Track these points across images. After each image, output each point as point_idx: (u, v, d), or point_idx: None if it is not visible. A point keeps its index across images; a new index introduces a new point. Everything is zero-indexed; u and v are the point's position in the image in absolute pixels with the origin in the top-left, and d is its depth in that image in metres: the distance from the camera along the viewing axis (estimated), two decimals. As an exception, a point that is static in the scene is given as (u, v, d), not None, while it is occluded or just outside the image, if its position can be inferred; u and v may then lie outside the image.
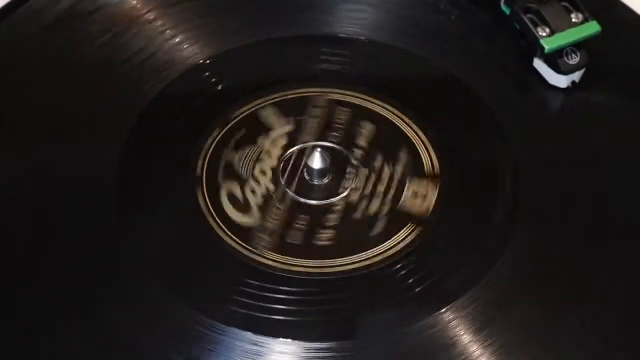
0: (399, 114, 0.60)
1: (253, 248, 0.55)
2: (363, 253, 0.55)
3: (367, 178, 0.58)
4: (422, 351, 0.51)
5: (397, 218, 0.56)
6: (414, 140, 0.59)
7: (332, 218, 0.57)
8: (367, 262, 0.55)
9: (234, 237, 0.55)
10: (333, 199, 0.58)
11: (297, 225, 0.56)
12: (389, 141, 0.60)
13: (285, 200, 0.58)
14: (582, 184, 0.58)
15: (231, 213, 0.57)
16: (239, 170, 0.59)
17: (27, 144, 0.59)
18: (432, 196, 0.57)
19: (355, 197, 0.58)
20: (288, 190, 0.58)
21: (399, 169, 0.58)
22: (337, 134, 0.60)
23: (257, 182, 0.58)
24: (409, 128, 0.60)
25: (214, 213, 0.56)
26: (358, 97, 0.62)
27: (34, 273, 0.54)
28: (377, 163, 0.59)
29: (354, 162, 0.59)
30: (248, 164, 0.59)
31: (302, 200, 0.58)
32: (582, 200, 0.57)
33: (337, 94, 0.62)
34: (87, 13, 0.65)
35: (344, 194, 0.58)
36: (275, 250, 0.55)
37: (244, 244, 0.55)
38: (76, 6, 0.65)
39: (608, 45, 0.62)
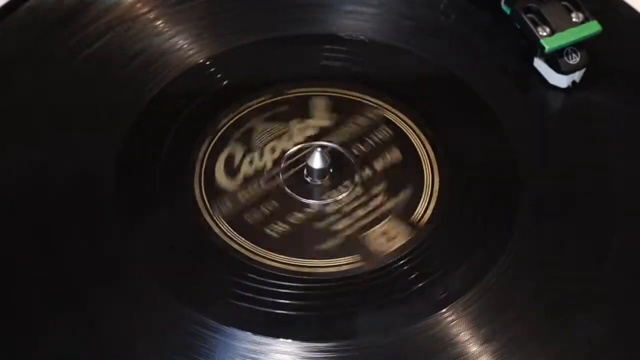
0: (432, 156, 0.59)
1: (211, 209, 0.56)
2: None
3: (356, 198, 0.58)
4: (423, 351, 0.51)
5: (351, 245, 0.56)
6: (424, 185, 0.58)
7: (296, 217, 0.56)
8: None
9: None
10: (311, 201, 0.57)
11: (263, 208, 0.56)
12: (403, 175, 0.59)
13: (271, 184, 0.58)
14: (583, 184, 0.58)
15: (218, 173, 0.57)
16: (254, 138, 0.59)
17: (26, 144, 0.59)
18: (398, 242, 0.55)
19: (332, 209, 0.57)
20: (280, 176, 0.58)
21: (389, 204, 0.57)
22: (363, 148, 0.60)
23: (261, 156, 0.58)
24: (429, 170, 0.58)
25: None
26: (407, 123, 0.61)
27: (32, 273, 0.54)
28: (376, 189, 0.58)
29: (357, 178, 0.58)
30: (266, 137, 0.59)
31: (286, 190, 0.57)
32: (583, 200, 0.57)
33: (391, 113, 0.61)
34: (86, 12, 0.65)
35: (325, 201, 0.57)
36: (228, 221, 0.55)
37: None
38: (76, 5, 0.65)
39: (609, 45, 0.62)
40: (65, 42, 0.63)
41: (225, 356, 0.51)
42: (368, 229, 0.56)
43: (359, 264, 0.55)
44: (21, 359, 0.51)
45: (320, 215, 0.57)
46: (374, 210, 0.57)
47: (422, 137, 0.60)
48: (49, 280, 0.53)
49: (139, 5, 0.65)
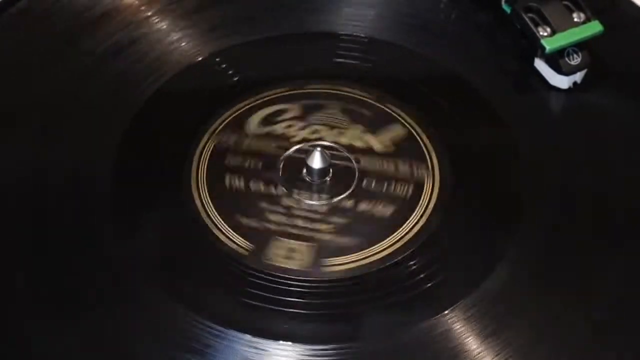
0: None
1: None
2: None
3: (329, 210, 0.57)
4: (425, 353, 0.51)
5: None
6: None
7: (259, 206, 0.56)
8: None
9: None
10: (285, 195, 0.57)
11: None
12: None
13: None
14: (585, 185, 0.58)
15: (256, 116, 0.59)
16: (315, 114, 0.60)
17: (24, 143, 0.59)
18: (299, 261, 0.55)
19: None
20: (285, 153, 0.58)
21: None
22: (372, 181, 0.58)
23: (304, 128, 0.60)
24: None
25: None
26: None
27: (29, 273, 0.53)
28: (362, 206, 0.57)
29: (346, 202, 0.57)
30: (325, 119, 0.60)
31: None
32: (585, 202, 0.57)
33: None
34: (84, 10, 0.65)
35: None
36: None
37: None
38: (75, 3, 0.65)
39: (610, 46, 0.62)
40: (62, 41, 0.63)
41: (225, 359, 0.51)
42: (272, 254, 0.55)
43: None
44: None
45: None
46: (317, 231, 0.56)
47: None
48: (45, 281, 0.53)
49: (137, 2, 0.65)
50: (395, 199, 0.57)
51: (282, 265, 0.54)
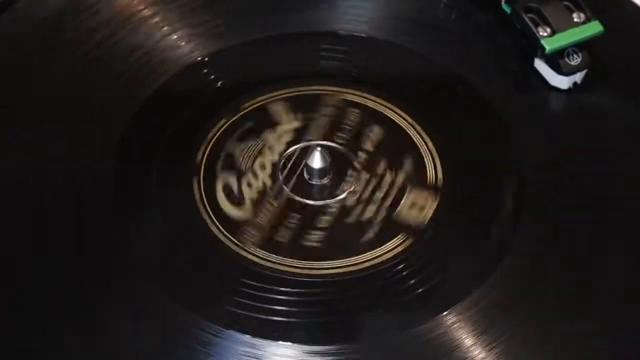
0: (410, 120, 0.60)
1: (240, 242, 0.55)
2: (359, 256, 0.54)
3: (367, 182, 0.58)
4: (424, 355, 0.51)
5: (390, 227, 0.56)
6: (421, 149, 0.59)
7: (325, 220, 0.56)
8: (366, 265, 0.54)
9: (230, 237, 0.55)
10: (329, 201, 0.57)
11: (287, 223, 0.56)
12: (396, 147, 0.59)
13: (281, 198, 0.57)
14: (585, 186, 0.58)
15: (224, 205, 0.56)
16: (239, 162, 0.58)
17: (21, 143, 0.58)
18: (430, 208, 0.56)
19: (351, 201, 0.57)
20: (285, 187, 0.57)
21: (400, 177, 0.58)
22: (344, 135, 0.60)
23: (255, 176, 0.58)
24: (418, 136, 0.59)
25: (212, 213, 0.56)
26: (370, 100, 0.61)
27: (29, 273, 0.53)
28: (380, 168, 0.58)
29: (357, 165, 0.58)
30: (249, 157, 0.59)
31: (298, 199, 0.57)
32: (584, 202, 0.57)
33: (350, 94, 0.61)
34: (84, 9, 0.64)
35: (341, 196, 0.57)
36: (261, 247, 0.55)
37: (236, 242, 0.55)
38: (74, 3, 0.65)
39: (611, 46, 0.62)
40: (61, 40, 0.63)
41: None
42: (397, 206, 0.56)
43: (408, 242, 0.55)
44: (16, 360, 0.51)
45: (346, 210, 0.56)
46: (390, 187, 0.57)
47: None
48: (44, 281, 0.53)
49: (135, 2, 0.65)
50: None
51: (427, 216, 0.55)
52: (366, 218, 0.56)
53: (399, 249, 0.54)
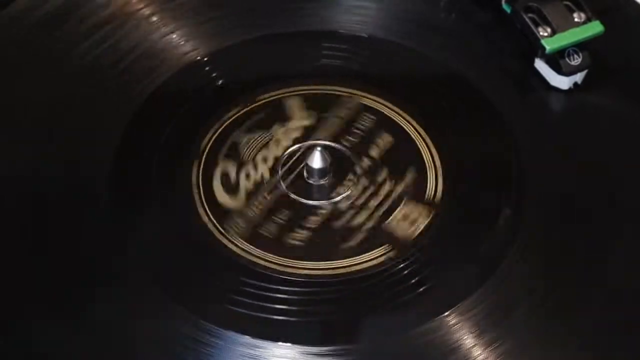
0: (422, 132, 0.59)
1: (225, 231, 0.55)
2: (337, 261, 0.54)
3: (365, 189, 0.57)
4: (424, 355, 0.51)
5: (376, 236, 0.55)
6: (426, 163, 0.58)
7: (313, 220, 0.56)
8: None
9: (216, 224, 0.55)
10: (322, 202, 0.57)
11: (276, 219, 0.56)
12: (401, 158, 0.59)
13: (275, 193, 0.57)
14: (585, 186, 0.57)
15: (218, 192, 0.56)
16: (242, 152, 0.58)
17: (20, 142, 0.58)
18: (422, 223, 0.56)
19: (345, 205, 0.57)
20: (281, 183, 0.57)
21: (399, 188, 0.57)
22: (352, 139, 0.59)
23: (255, 167, 0.58)
24: (426, 149, 0.59)
25: (204, 198, 0.56)
26: (386, 107, 0.61)
27: (28, 273, 0.53)
28: (381, 177, 0.58)
29: (358, 170, 0.58)
30: (254, 149, 0.59)
31: (292, 196, 0.57)
32: (585, 203, 0.57)
33: (367, 99, 0.61)
34: (83, 9, 0.64)
35: (335, 199, 0.57)
36: (245, 238, 0.55)
37: (221, 230, 0.55)
38: (74, 3, 0.65)
39: (611, 46, 0.62)
40: (60, 39, 0.63)
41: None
42: (388, 217, 0.56)
43: (391, 254, 0.54)
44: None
45: (337, 214, 0.56)
46: (387, 196, 0.57)
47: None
48: (44, 281, 0.53)
49: (134, 1, 0.65)
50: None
51: (416, 231, 0.55)
52: (355, 224, 0.56)
53: (379, 260, 0.54)
